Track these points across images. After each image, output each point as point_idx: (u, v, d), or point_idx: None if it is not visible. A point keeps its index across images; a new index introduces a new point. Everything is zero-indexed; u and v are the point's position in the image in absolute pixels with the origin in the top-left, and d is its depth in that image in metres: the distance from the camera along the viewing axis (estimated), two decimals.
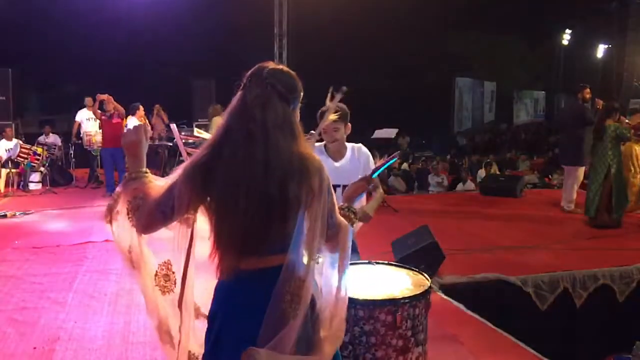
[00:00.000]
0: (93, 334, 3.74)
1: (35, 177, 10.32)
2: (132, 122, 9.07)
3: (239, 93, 1.69)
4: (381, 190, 3.25)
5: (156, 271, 1.84)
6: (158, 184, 1.74)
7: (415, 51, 20.18)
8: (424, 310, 2.44)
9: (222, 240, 1.64)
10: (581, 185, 8.00)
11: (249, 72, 1.71)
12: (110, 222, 1.80)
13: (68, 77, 14.66)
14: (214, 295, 1.73)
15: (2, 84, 12.93)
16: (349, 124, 3.14)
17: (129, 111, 9.29)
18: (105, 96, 9.44)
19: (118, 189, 1.78)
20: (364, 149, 3.29)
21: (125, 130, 1.84)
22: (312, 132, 2.58)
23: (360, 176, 3.12)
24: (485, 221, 7.47)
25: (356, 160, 3.21)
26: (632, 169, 7.59)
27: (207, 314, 1.76)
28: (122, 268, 5.27)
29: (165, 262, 1.84)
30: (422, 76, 20.90)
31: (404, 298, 2.37)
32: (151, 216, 1.68)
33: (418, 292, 2.41)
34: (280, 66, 1.75)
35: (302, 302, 1.62)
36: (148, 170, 1.78)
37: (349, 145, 3.24)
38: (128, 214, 1.72)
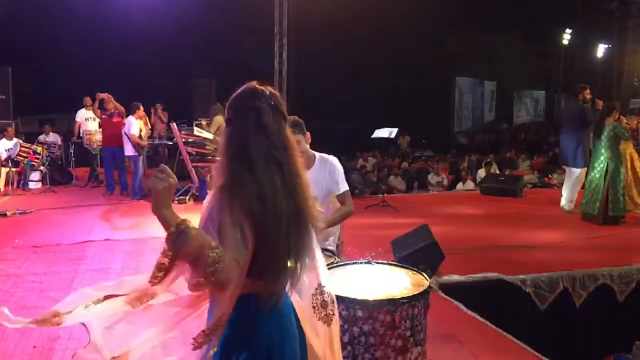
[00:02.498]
0: None
1: (35, 176, 10.33)
2: (133, 121, 9.06)
3: (247, 116, 1.64)
4: (345, 209, 3.25)
5: None
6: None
7: (415, 51, 20.15)
8: (423, 310, 2.44)
9: (272, 268, 1.62)
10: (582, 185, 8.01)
11: (248, 94, 1.68)
12: (159, 282, 1.60)
13: (68, 76, 14.64)
14: (247, 323, 1.63)
15: (2, 83, 12.92)
16: (308, 133, 3.12)
17: (129, 111, 9.29)
18: (105, 95, 9.43)
19: (170, 245, 1.49)
20: (332, 160, 3.28)
21: (156, 175, 1.61)
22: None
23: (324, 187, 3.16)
24: (485, 221, 7.47)
25: (322, 169, 3.22)
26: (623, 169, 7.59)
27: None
28: (121, 267, 5.28)
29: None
30: (422, 76, 20.87)
31: (402, 298, 2.37)
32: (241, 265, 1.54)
33: (417, 292, 2.41)
34: (270, 88, 1.74)
35: (333, 302, 1.80)
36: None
37: (317, 155, 3.23)
38: (206, 269, 1.45)
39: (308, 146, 3.17)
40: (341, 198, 3.27)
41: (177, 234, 1.44)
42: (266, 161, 1.60)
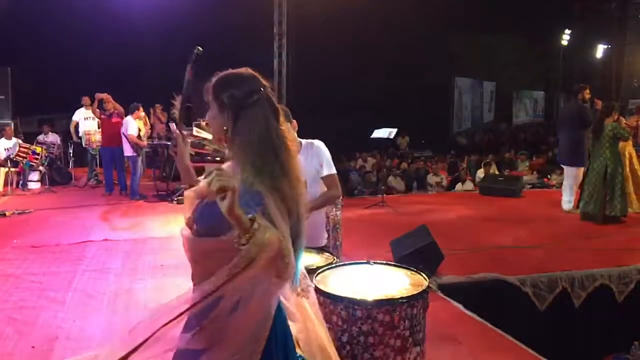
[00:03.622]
0: (92, 333, 3.74)
1: (34, 176, 10.33)
2: (131, 121, 9.05)
3: (261, 102, 1.63)
4: (330, 192, 3.24)
5: None
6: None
7: (415, 51, 20.16)
8: (422, 310, 2.44)
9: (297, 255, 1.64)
10: (580, 185, 8.01)
11: (254, 80, 1.66)
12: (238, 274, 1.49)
13: (68, 76, 14.64)
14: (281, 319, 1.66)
15: (1, 82, 12.94)
16: (294, 121, 3.11)
17: (128, 111, 9.28)
18: (104, 95, 9.43)
19: (256, 241, 1.40)
20: (317, 144, 3.26)
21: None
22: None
23: (315, 169, 3.14)
24: (484, 221, 7.47)
25: (309, 154, 3.19)
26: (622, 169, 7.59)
27: None
28: (120, 267, 5.28)
29: None
30: (422, 76, 20.88)
31: (402, 298, 2.37)
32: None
33: (416, 292, 2.41)
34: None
35: (306, 277, 1.84)
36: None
37: (303, 141, 3.23)
38: (284, 261, 1.47)
39: (295, 134, 3.18)
40: (327, 180, 3.23)
41: (262, 229, 1.40)
42: (284, 146, 1.61)
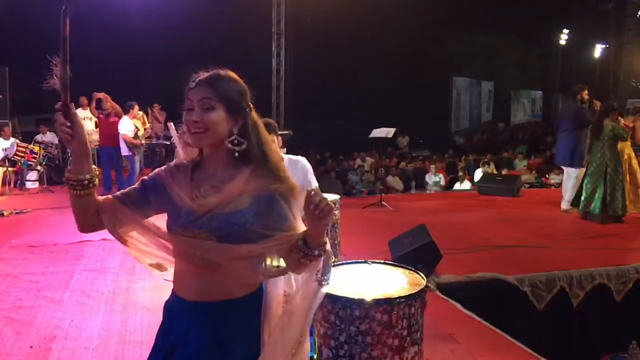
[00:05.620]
0: (90, 333, 3.74)
1: (32, 175, 10.31)
2: (125, 121, 9.01)
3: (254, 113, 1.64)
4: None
5: None
6: None
7: (413, 50, 20.20)
8: (420, 310, 2.44)
9: None
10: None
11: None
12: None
13: None
14: None
15: None
16: (279, 136, 3.14)
17: (124, 110, 9.25)
18: (102, 95, 9.41)
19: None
20: (302, 160, 3.36)
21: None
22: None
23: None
24: (482, 220, 7.48)
25: (294, 170, 3.23)
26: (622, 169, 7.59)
27: None
28: (119, 267, 5.27)
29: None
30: (420, 75, 20.91)
31: (399, 297, 2.36)
32: None
33: (414, 292, 2.41)
34: None
35: None
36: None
37: (286, 157, 3.26)
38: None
39: (278, 149, 3.20)
40: None
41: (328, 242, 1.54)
42: (277, 150, 1.79)
